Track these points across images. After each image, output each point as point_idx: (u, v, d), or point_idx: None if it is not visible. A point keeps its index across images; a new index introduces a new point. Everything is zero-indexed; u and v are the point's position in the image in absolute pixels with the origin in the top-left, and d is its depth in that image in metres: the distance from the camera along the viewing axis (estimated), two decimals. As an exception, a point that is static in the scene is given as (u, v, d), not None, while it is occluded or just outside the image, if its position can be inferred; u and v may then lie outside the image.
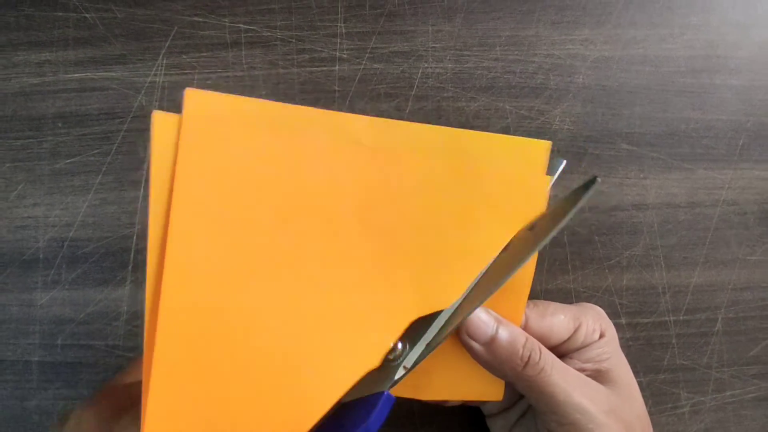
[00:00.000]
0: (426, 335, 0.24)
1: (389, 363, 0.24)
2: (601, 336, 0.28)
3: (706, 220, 0.35)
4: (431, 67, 0.35)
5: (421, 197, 0.24)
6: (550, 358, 0.25)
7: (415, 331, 0.24)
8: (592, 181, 0.23)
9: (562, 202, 0.25)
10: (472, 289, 0.25)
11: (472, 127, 0.34)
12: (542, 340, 0.27)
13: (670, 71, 0.36)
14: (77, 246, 0.33)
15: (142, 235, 0.34)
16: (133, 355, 0.33)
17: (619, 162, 0.35)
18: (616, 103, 0.35)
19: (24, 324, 0.33)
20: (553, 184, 0.26)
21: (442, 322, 0.25)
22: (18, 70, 0.35)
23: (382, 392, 0.23)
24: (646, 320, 0.34)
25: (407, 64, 0.35)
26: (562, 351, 0.28)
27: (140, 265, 0.33)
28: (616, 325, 0.29)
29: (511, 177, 0.25)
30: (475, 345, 0.25)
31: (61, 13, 0.35)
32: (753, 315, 0.35)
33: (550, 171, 0.26)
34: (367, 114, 0.34)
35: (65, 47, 0.35)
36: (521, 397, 0.29)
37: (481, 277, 0.25)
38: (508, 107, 0.35)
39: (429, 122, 0.34)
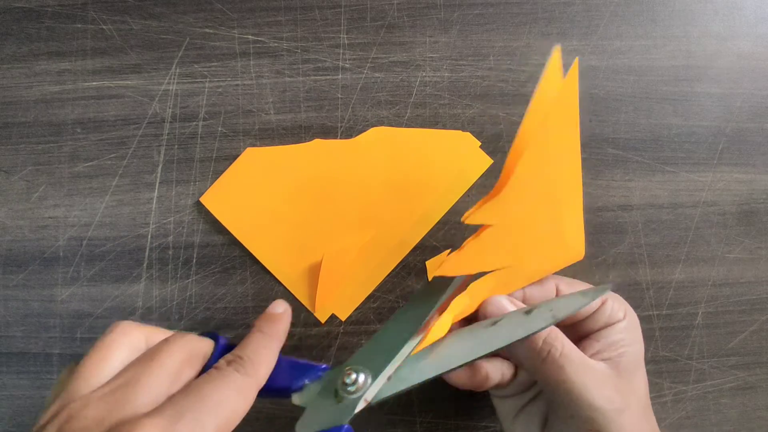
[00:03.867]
0: (387, 369, 0.24)
1: (350, 395, 0.24)
2: (624, 317, 0.28)
3: (688, 220, 0.37)
4: (429, 76, 0.37)
5: (387, 176, 0.35)
6: (569, 352, 0.25)
7: (376, 363, 0.25)
8: (604, 289, 0.26)
9: (569, 297, 0.27)
10: (448, 349, 0.25)
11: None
12: None
13: (654, 80, 0.38)
14: (95, 245, 0.35)
15: (156, 234, 0.36)
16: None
17: (606, 165, 0.37)
18: (602, 110, 0.37)
19: (45, 318, 0.35)
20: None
21: (402, 357, 0.25)
22: (39, 79, 0.37)
23: (342, 426, 0.23)
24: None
25: (406, 73, 0.37)
26: (586, 328, 0.28)
27: (154, 263, 0.35)
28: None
29: (448, 156, 0.36)
30: None
31: (80, 25, 0.37)
32: (731, 309, 0.36)
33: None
34: (368, 120, 0.36)
35: (84, 57, 0.37)
36: (533, 383, 0.30)
37: (462, 340, 0.26)
38: (501, 114, 0.37)
39: (426, 128, 0.37)
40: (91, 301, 0.35)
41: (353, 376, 0.24)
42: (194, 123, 0.36)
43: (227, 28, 0.37)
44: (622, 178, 0.37)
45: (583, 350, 0.27)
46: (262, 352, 0.24)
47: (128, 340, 0.22)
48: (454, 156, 0.36)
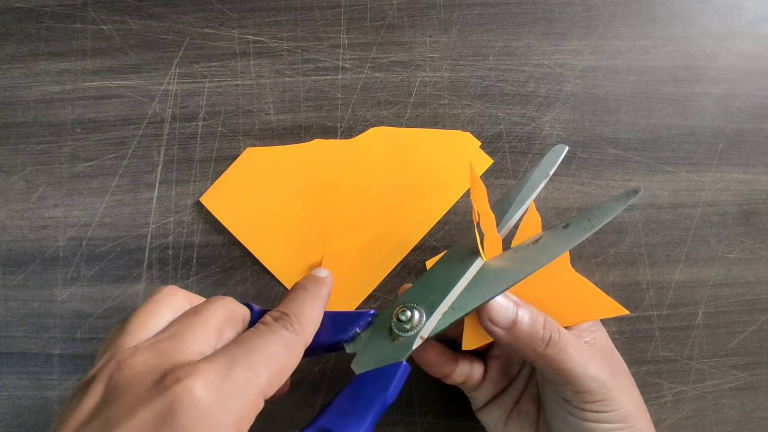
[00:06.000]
0: (441, 306, 0.25)
1: (405, 333, 0.24)
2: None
3: (688, 220, 0.37)
4: (429, 76, 0.37)
5: (387, 176, 0.36)
6: (565, 335, 0.26)
7: (429, 301, 0.25)
8: (635, 191, 0.25)
9: (602, 204, 0.26)
10: (497, 272, 0.26)
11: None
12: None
13: (653, 80, 0.38)
14: (95, 245, 0.35)
15: (156, 234, 0.36)
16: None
17: (606, 165, 0.37)
18: (602, 110, 0.37)
19: (45, 318, 0.35)
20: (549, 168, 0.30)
21: (457, 294, 0.25)
22: (39, 79, 0.37)
23: (400, 362, 0.24)
24: (630, 315, 0.36)
25: (406, 73, 0.37)
26: None
27: (154, 263, 0.35)
28: (602, 320, 0.31)
29: (448, 156, 0.36)
30: (497, 330, 0.26)
31: (79, 25, 0.37)
32: (731, 309, 0.36)
33: (553, 156, 0.30)
34: (368, 120, 0.36)
35: (83, 57, 0.37)
36: (510, 383, 0.30)
37: (509, 262, 0.26)
38: (500, 114, 0.37)
39: (426, 128, 0.37)
40: (91, 301, 0.35)
41: (408, 313, 0.25)
42: (194, 123, 0.36)
43: (227, 28, 0.37)
44: (622, 178, 0.37)
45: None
46: (308, 310, 0.24)
47: (173, 301, 0.23)
48: (454, 156, 0.36)
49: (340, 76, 0.37)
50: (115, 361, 0.20)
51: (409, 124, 0.37)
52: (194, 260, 0.35)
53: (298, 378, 0.34)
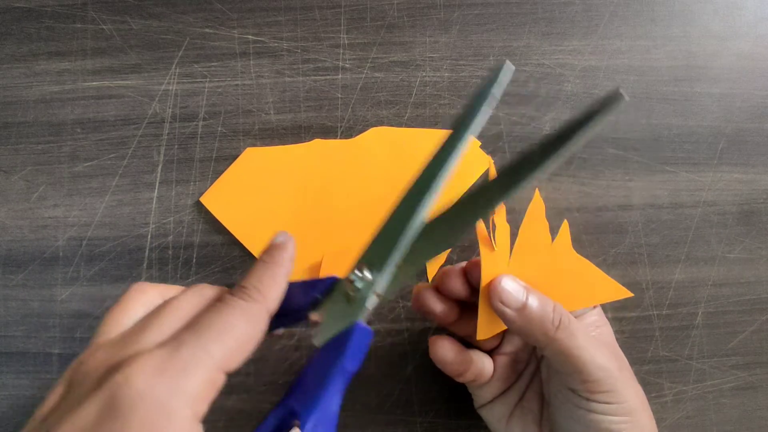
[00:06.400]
0: (392, 258, 0.23)
1: (359, 293, 0.23)
2: (595, 306, 0.30)
3: (688, 220, 0.37)
4: (429, 76, 0.37)
5: (387, 176, 0.35)
6: (574, 321, 0.26)
7: (381, 258, 0.24)
8: (615, 98, 0.19)
9: (576, 118, 0.21)
10: (449, 211, 0.24)
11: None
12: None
13: (654, 80, 0.38)
14: (95, 245, 0.35)
15: (156, 234, 0.36)
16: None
17: (606, 165, 0.37)
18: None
19: (45, 318, 0.35)
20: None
21: (406, 243, 0.24)
22: (39, 79, 0.37)
23: (355, 324, 0.22)
24: (631, 314, 0.36)
25: (406, 73, 0.37)
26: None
27: (154, 263, 0.35)
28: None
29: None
30: (508, 311, 0.26)
31: (79, 25, 0.37)
32: (731, 309, 0.36)
33: (497, 76, 0.23)
34: (368, 120, 0.36)
35: (84, 57, 0.37)
36: (515, 380, 0.31)
37: (455, 212, 0.24)
38: (501, 114, 0.37)
39: (426, 128, 0.37)
40: (90, 301, 0.35)
41: (358, 273, 0.23)
42: (194, 123, 0.36)
43: (227, 28, 0.37)
44: (622, 178, 0.37)
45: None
46: (267, 279, 0.23)
47: (144, 298, 0.22)
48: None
49: (340, 76, 0.37)
50: (77, 361, 0.20)
51: (409, 124, 0.37)
52: (194, 260, 0.35)
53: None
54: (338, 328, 0.23)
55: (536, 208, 0.29)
